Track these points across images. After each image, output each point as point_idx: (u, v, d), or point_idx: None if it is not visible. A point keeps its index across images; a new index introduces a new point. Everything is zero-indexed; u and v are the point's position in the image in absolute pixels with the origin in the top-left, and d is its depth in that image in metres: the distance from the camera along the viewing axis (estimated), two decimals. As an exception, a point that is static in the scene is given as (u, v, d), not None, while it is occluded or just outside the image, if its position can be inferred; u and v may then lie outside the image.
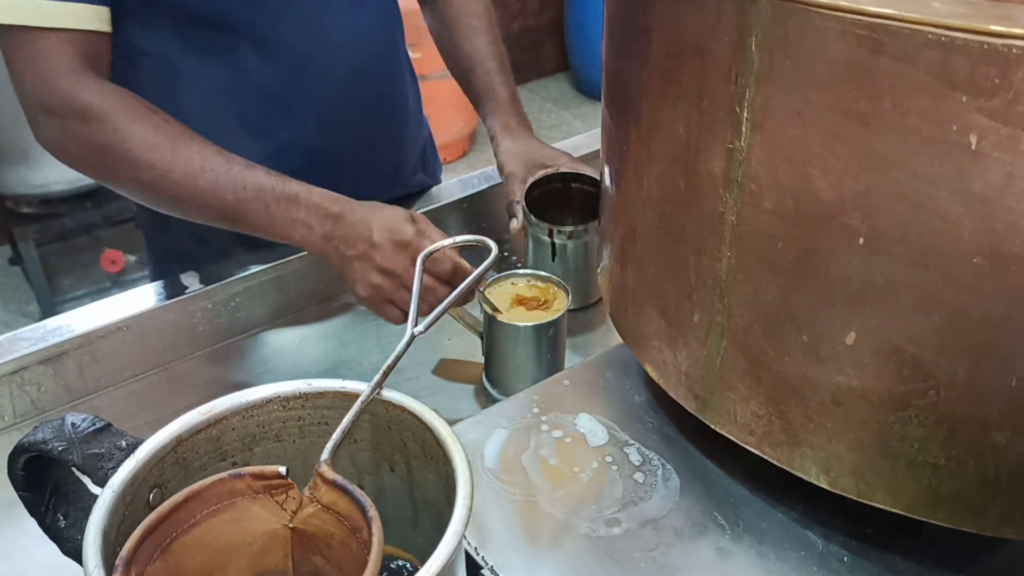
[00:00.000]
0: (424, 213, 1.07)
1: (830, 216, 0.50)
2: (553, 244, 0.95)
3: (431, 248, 0.62)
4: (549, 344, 0.85)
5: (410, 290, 0.82)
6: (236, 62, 0.96)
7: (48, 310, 2.48)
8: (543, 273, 0.90)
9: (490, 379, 0.89)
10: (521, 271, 0.90)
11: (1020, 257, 0.45)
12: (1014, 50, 0.41)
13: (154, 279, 1.03)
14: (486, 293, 0.87)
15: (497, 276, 0.89)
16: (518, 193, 0.97)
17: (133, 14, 0.89)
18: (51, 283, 2.56)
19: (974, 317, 0.48)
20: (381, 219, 0.83)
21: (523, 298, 0.88)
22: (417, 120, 1.19)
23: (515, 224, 0.97)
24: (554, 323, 0.84)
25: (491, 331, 0.85)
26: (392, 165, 1.15)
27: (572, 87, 3.92)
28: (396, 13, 1.10)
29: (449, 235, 0.81)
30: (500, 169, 1.03)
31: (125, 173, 0.85)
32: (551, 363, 0.86)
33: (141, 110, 0.85)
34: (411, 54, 1.16)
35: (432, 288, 0.82)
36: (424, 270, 0.77)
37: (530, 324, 0.83)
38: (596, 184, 0.98)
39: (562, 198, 1.00)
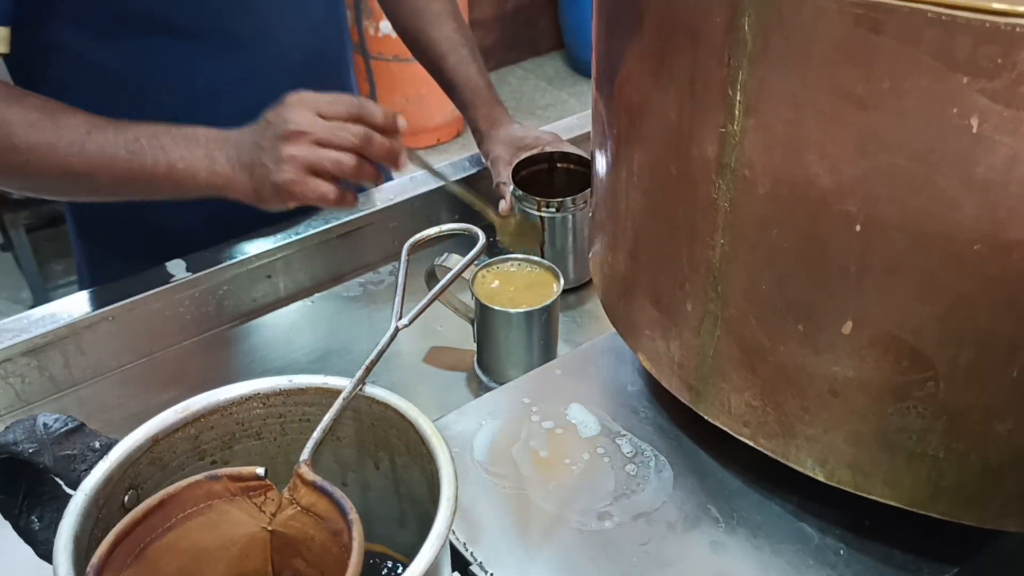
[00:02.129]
0: (419, 197, 1.06)
1: (826, 202, 0.48)
2: (542, 219, 0.94)
3: (417, 237, 0.61)
4: (541, 330, 0.83)
5: (325, 144, 0.78)
6: (183, 61, 0.92)
7: (40, 296, 2.47)
8: (535, 258, 0.88)
9: (482, 366, 0.88)
10: (511, 256, 0.89)
11: (1022, 243, 0.44)
12: (1017, 29, 0.39)
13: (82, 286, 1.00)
14: (476, 279, 0.85)
15: (488, 261, 0.88)
16: (504, 175, 0.96)
17: (63, 15, 0.85)
18: (42, 269, 2.54)
19: (975, 305, 0.46)
20: (263, 121, 0.80)
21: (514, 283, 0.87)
22: (352, 83, 1.16)
23: (504, 205, 0.95)
24: (546, 309, 0.82)
25: (482, 317, 0.84)
26: None
27: (567, 66, 3.88)
28: (342, 5, 1.08)
29: (440, 221, 0.80)
30: (485, 156, 1.02)
31: (9, 160, 0.80)
32: (544, 349, 0.85)
33: (14, 93, 0.80)
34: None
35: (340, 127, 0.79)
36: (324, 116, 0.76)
37: (522, 310, 0.81)
38: (583, 162, 0.97)
39: (549, 178, 0.99)
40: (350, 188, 0.83)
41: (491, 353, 0.86)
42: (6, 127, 0.78)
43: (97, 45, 0.88)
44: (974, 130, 0.42)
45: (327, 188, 0.79)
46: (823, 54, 0.45)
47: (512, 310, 0.81)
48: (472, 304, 0.85)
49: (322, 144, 0.78)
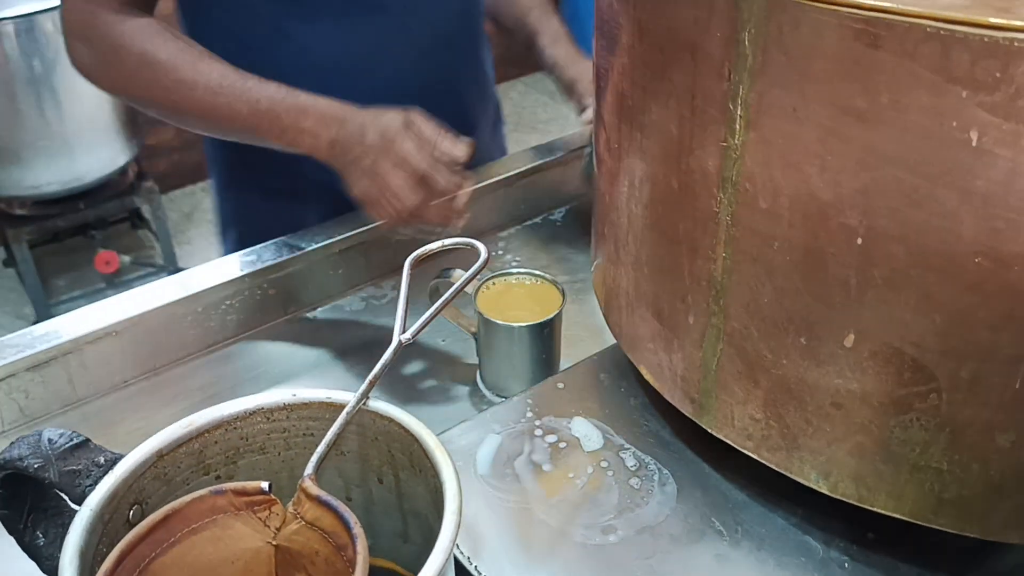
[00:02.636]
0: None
1: (827, 215, 0.48)
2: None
3: (420, 251, 0.61)
4: (544, 344, 0.83)
5: (395, 194, 0.85)
6: (340, 19, 0.99)
7: (43, 312, 2.47)
8: (538, 272, 0.88)
9: (485, 380, 0.88)
10: (514, 270, 0.89)
11: (1022, 256, 0.44)
12: (1015, 43, 0.40)
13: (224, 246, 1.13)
14: (479, 293, 0.85)
15: (491, 275, 0.88)
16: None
17: None
18: (45, 285, 2.54)
19: (976, 318, 0.46)
20: (377, 123, 0.85)
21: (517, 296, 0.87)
22: (491, 72, 1.22)
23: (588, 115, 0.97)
24: (549, 323, 0.82)
25: (485, 331, 0.84)
26: (467, 129, 1.15)
27: (568, 80, 3.89)
28: None
29: (442, 236, 0.80)
30: (563, 78, 1.08)
31: (152, 93, 0.91)
32: (546, 363, 0.85)
33: (167, 36, 0.90)
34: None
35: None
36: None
37: (525, 324, 0.81)
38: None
39: None
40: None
41: (494, 367, 0.86)
42: (154, 65, 0.89)
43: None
44: (974, 143, 0.42)
45: (384, 216, 0.87)
46: (823, 68, 0.46)
47: (515, 324, 0.82)
48: (475, 318, 0.85)
49: (394, 194, 0.86)
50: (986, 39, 0.40)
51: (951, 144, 0.43)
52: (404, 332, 0.54)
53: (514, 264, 1.07)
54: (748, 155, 0.51)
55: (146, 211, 2.70)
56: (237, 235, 1.15)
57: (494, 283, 0.87)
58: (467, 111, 1.17)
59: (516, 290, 0.87)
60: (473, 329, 0.86)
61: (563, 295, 0.85)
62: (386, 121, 0.85)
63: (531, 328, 0.82)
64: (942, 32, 0.41)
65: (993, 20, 0.40)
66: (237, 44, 0.97)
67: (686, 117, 0.54)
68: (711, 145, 0.52)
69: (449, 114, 1.12)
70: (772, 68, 0.48)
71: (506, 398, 0.76)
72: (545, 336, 0.83)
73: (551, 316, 0.82)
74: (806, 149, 0.48)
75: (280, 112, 0.88)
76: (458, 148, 0.86)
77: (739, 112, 0.50)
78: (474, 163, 1.15)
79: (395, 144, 0.84)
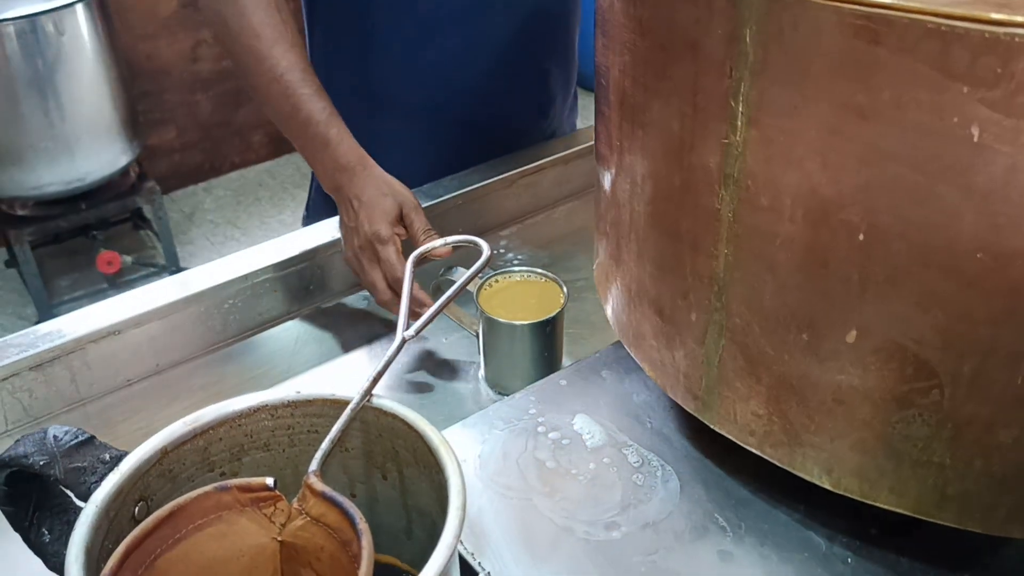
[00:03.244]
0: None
1: (829, 212, 0.48)
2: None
3: (421, 250, 0.61)
4: (546, 342, 0.84)
5: (365, 281, 0.90)
6: None
7: (45, 312, 2.47)
8: (539, 270, 0.88)
9: (487, 378, 0.88)
10: (516, 268, 0.89)
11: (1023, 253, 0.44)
12: (1016, 39, 0.40)
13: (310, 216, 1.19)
14: (480, 291, 0.85)
15: (492, 273, 0.88)
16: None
17: None
18: (47, 285, 2.55)
19: (978, 314, 0.46)
20: (369, 212, 0.88)
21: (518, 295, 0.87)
22: (574, 64, 1.26)
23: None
24: (551, 320, 0.82)
25: (487, 330, 0.84)
26: (549, 100, 1.22)
27: (569, 79, 3.89)
28: None
29: (443, 235, 0.80)
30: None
31: (234, 48, 0.95)
32: (549, 361, 0.85)
33: (263, 5, 0.93)
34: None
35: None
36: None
37: (527, 322, 0.82)
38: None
39: None
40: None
41: (496, 365, 0.86)
42: (241, 30, 0.93)
43: None
44: (975, 140, 0.42)
45: (367, 285, 0.91)
46: (824, 65, 0.46)
47: (517, 322, 0.82)
48: (477, 316, 0.85)
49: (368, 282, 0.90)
50: (987, 35, 0.40)
51: (952, 140, 0.43)
52: (407, 329, 0.54)
53: (516, 262, 1.07)
54: (750, 152, 0.51)
55: (147, 211, 2.71)
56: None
57: (496, 281, 0.88)
58: (551, 86, 1.20)
59: (518, 288, 0.88)
60: (475, 327, 0.87)
61: (565, 293, 0.85)
62: (379, 213, 0.88)
63: (533, 326, 0.82)
64: (942, 28, 0.41)
65: (994, 16, 0.40)
66: None
67: (688, 114, 0.54)
68: (713, 142, 0.53)
69: (535, 86, 1.17)
70: (773, 65, 0.48)
71: (508, 396, 0.76)
72: (547, 334, 0.83)
73: (553, 314, 0.82)
74: (807, 146, 0.48)
75: (308, 133, 0.92)
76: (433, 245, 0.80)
77: (740, 109, 0.50)
78: (544, 137, 1.21)
79: (380, 245, 0.88)
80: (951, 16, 0.41)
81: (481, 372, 0.89)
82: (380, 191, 0.89)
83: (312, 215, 1.21)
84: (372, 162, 0.92)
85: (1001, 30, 0.40)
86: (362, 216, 0.88)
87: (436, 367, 0.92)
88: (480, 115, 1.13)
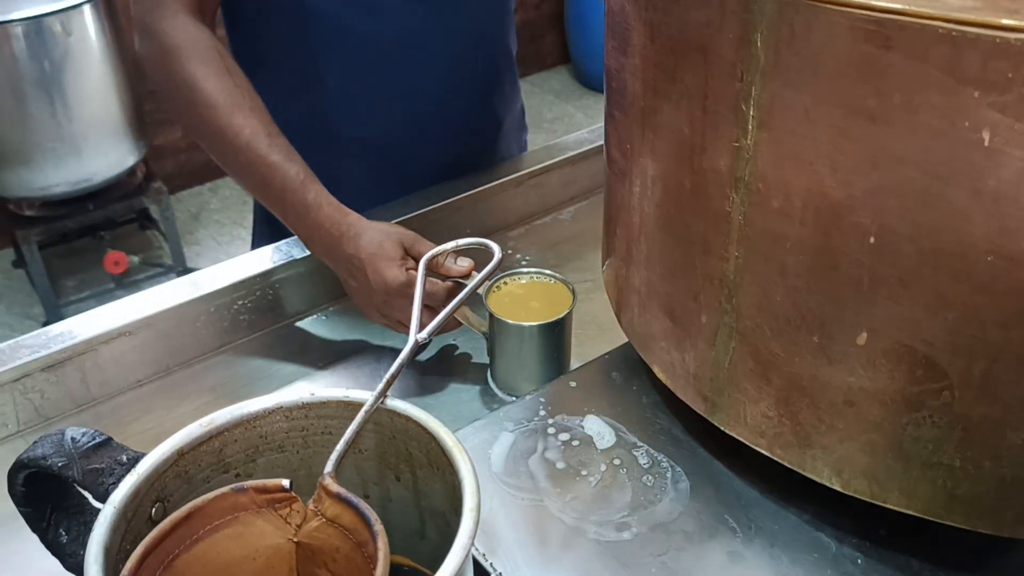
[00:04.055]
0: (432, 211, 1.07)
1: (840, 215, 0.49)
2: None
3: (433, 252, 0.62)
4: (555, 343, 0.84)
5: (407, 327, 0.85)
6: (377, 3, 1.01)
7: (52, 313, 2.48)
8: (548, 271, 0.89)
9: (496, 379, 0.88)
10: (524, 270, 0.89)
11: (1035, 255, 0.44)
12: (1027, 44, 0.40)
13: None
14: (489, 292, 0.86)
15: (501, 275, 0.88)
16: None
17: None
18: (55, 285, 2.56)
19: (988, 316, 0.47)
20: (374, 264, 0.85)
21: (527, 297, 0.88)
22: (517, 85, 1.24)
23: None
24: (559, 322, 0.83)
25: (496, 331, 0.84)
26: (495, 125, 1.20)
27: (573, 79, 3.90)
28: None
29: (452, 237, 0.80)
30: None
31: (191, 121, 0.91)
32: (557, 362, 0.85)
33: (218, 65, 0.90)
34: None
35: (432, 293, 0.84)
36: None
37: (535, 323, 0.82)
38: None
39: None
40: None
41: (505, 366, 0.87)
42: (194, 93, 0.89)
43: None
44: (986, 143, 0.43)
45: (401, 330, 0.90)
46: (835, 69, 0.46)
47: (525, 323, 0.82)
48: (485, 318, 0.86)
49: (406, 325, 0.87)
50: (997, 40, 0.40)
51: (963, 144, 0.43)
52: (420, 332, 0.54)
53: (524, 263, 1.07)
54: (760, 155, 0.51)
55: (154, 211, 2.71)
56: (270, 230, 1.16)
57: (505, 283, 0.88)
58: (495, 110, 1.18)
59: (526, 289, 0.88)
60: (484, 329, 0.87)
61: (573, 294, 0.85)
62: (384, 262, 0.84)
63: (542, 327, 0.82)
64: (953, 33, 0.41)
65: (1004, 21, 0.40)
66: (269, 24, 1.00)
67: (698, 117, 0.54)
68: (723, 145, 0.53)
69: (478, 111, 1.14)
70: (784, 69, 0.48)
71: (517, 397, 0.77)
72: (556, 335, 0.83)
73: (562, 315, 0.82)
74: (818, 149, 0.48)
75: (286, 199, 0.88)
76: (460, 266, 0.84)
77: (751, 112, 0.51)
78: (494, 162, 1.19)
79: (405, 289, 0.84)
80: (962, 21, 0.41)
81: (489, 373, 0.89)
82: (375, 240, 0.85)
83: (258, 243, 1.18)
84: (356, 216, 0.88)
85: (1012, 35, 0.40)
86: (369, 272, 0.85)
87: (445, 369, 0.92)
88: (426, 144, 1.11)
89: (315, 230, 0.88)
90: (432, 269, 0.83)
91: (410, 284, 0.83)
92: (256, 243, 1.19)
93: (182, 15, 0.91)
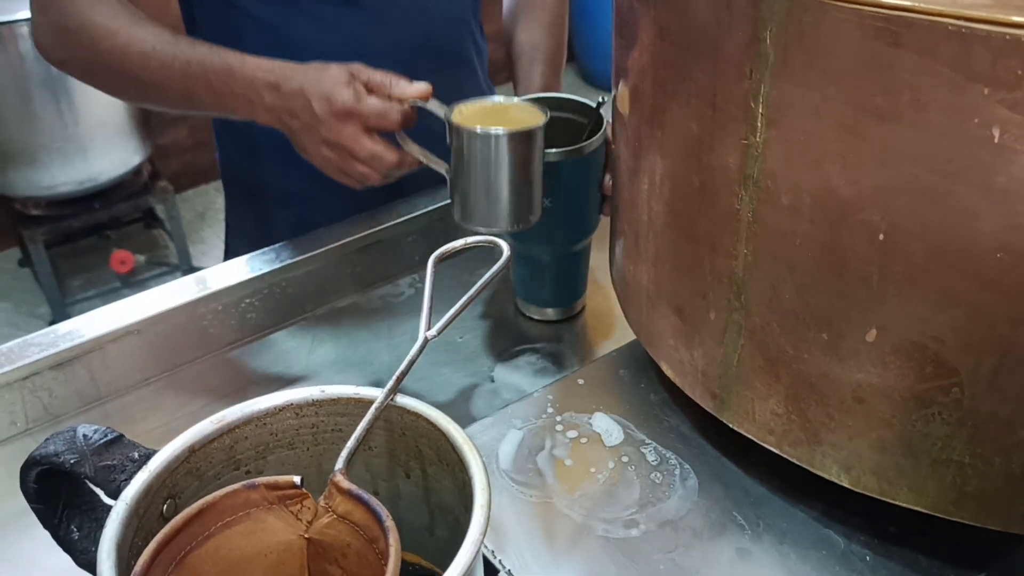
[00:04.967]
0: (436, 210, 1.07)
1: (848, 212, 0.49)
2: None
3: (442, 250, 0.61)
4: (525, 163, 0.75)
5: (360, 159, 0.81)
6: (316, 11, 0.98)
7: (58, 312, 2.49)
8: (515, 99, 0.82)
9: (459, 214, 0.80)
10: (493, 96, 0.83)
11: (1045, 252, 0.44)
12: (1037, 41, 0.40)
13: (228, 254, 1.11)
14: (454, 112, 0.78)
15: (468, 100, 0.81)
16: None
17: None
18: (61, 284, 2.56)
19: (997, 313, 0.47)
20: (318, 88, 0.80)
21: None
22: (486, 83, 1.19)
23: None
24: (530, 133, 0.74)
25: (460, 149, 0.76)
26: None
27: (579, 78, 3.90)
28: None
29: (457, 234, 0.80)
30: None
31: (88, 55, 0.89)
32: (527, 192, 0.77)
33: (111, 3, 0.88)
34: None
35: (384, 113, 0.80)
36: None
37: (504, 131, 0.73)
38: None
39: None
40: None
41: (472, 192, 0.78)
42: (91, 30, 0.87)
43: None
44: (995, 141, 0.43)
45: (351, 183, 0.84)
46: (844, 67, 0.46)
47: (494, 130, 0.74)
48: (446, 160, 0.78)
49: (356, 159, 0.82)
50: (1008, 37, 0.41)
51: (972, 141, 0.43)
52: (429, 329, 0.54)
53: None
54: (769, 153, 0.51)
55: (160, 211, 2.72)
56: (245, 242, 1.14)
57: (469, 105, 0.80)
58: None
59: (495, 109, 0.80)
60: (445, 168, 0.80)
61: (545, 114, 0.77)
62: (329, 84, 0.80)
63: (512, 136, 0.74)
64: (963, 30, 0.41)
65: (1015, 18, 0.40)
66: (216, 31, 0.96)
67: (707, 115, 0.54)
68: (732, 143, 0.53)
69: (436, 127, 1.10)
70: (793, 67, 0.48)
71: (483, 231, 0.70)
72: (527, 152, 0.75)
73: (535, 125, 0.75)
74: (827, 147, 0.48)
75: (211, 77, 0.84)
76: (415, 87, 0.80)
77: (760, 110, 0.51)
78: None
79: (354, 107, 0.79)
80: (972, 18, 0.41)
81: (453, 206, 0.81)
82: (316, 66, 0.81)
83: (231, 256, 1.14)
84: (288, 62, 0.83)
85: (1022, 32, 0.40)
86: (314, 98, 0.79)
87: (451, 364, 0.93)
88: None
89: (251, 89, 0.83)
90: (378, 92, 0.80)
91: (359, 104, 0.79)
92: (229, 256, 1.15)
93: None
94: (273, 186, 1.10)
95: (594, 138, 0.79)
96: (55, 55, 0.93)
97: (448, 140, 0.77)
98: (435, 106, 0.61)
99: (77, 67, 0.94)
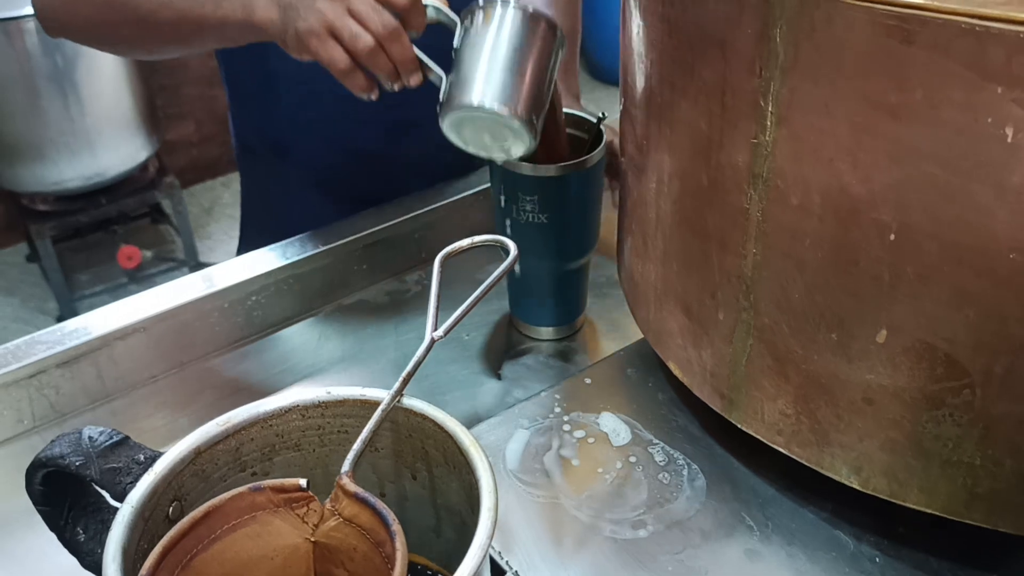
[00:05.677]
0: (442, 207, 1.07)
1: (859, 211, 0.48)
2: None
3: (449, 249, 0.61)
4: (530, 49, 0.71)
5: (354, 15, 0.76)
6: None
7: (66, 307, 2.49)
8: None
9: (452, 100, 0.73)
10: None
11: (1059, 252, 0.44)
12: (1052, 39, 0.39)
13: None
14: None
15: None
16: None
17: None
18: (68, 280, 2.57)
19: (1010, 313, 0.46)
20: None
21: None
22: None
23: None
24: (547, 25, 0.71)
25: (468, 27, 0.73)
26: (439, 163, 1.15)
27: (585, 72, 3.89)
28: None
29: (463, 230, 0.80)
30: None
31: (103, 16, 0.88)
32: (528, 85, 0.71)
33: None
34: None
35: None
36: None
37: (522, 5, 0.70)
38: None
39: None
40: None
41: (467, 72, 0.72)
42: None
43: None
44: (1009, 139, 0.42)
45: (339, 56, 0.78)
46: (855, 65, 0.46)
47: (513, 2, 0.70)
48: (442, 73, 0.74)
49: (352, 14, 0.77)
50: (1022, 35, 0.40)
51: (986, 140, 0.43)
52: (436, 329, 0.54)
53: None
54: (779, 151, 0.51)
55: (167, 206, 2.72)
56: (259, 232, 1.15)
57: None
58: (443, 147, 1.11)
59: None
60: (441, 77, 0.76)
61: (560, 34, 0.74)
62: None
63: (527, 15, 0.71)
64: (977, 28, 0.41)
65: (1030, 16, 0.40)
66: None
67: (716, 113, 0.54)
68: (741, 141, 0.52)
69: (431, 123, 1.07)
70: (804, 64, 0.48)
71: (484, 112, 0.67)
72: (538, 43, 0.71)
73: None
74: (838, 145, 0.48)
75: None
76: None
77: (770, 108, 0.50)
78: (453, 172, 1.14)
79: None
80: (986, 16, 0.41)
81: (440, 102, 0.75)
82: None
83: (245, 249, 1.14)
84: None
85: (1037, 30, 0.39)
86: None
87: (458, 363, 0.92)
88: (411, 151, 1.10)
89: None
90: None
91: None
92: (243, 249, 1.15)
93: None
94: (291, 150, 1.10)
95: (594, 152, 0.78)
96: (57, 20, 0.93)
97: (461, 25, 0.74)
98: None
99: (84, 30, 0.93)
